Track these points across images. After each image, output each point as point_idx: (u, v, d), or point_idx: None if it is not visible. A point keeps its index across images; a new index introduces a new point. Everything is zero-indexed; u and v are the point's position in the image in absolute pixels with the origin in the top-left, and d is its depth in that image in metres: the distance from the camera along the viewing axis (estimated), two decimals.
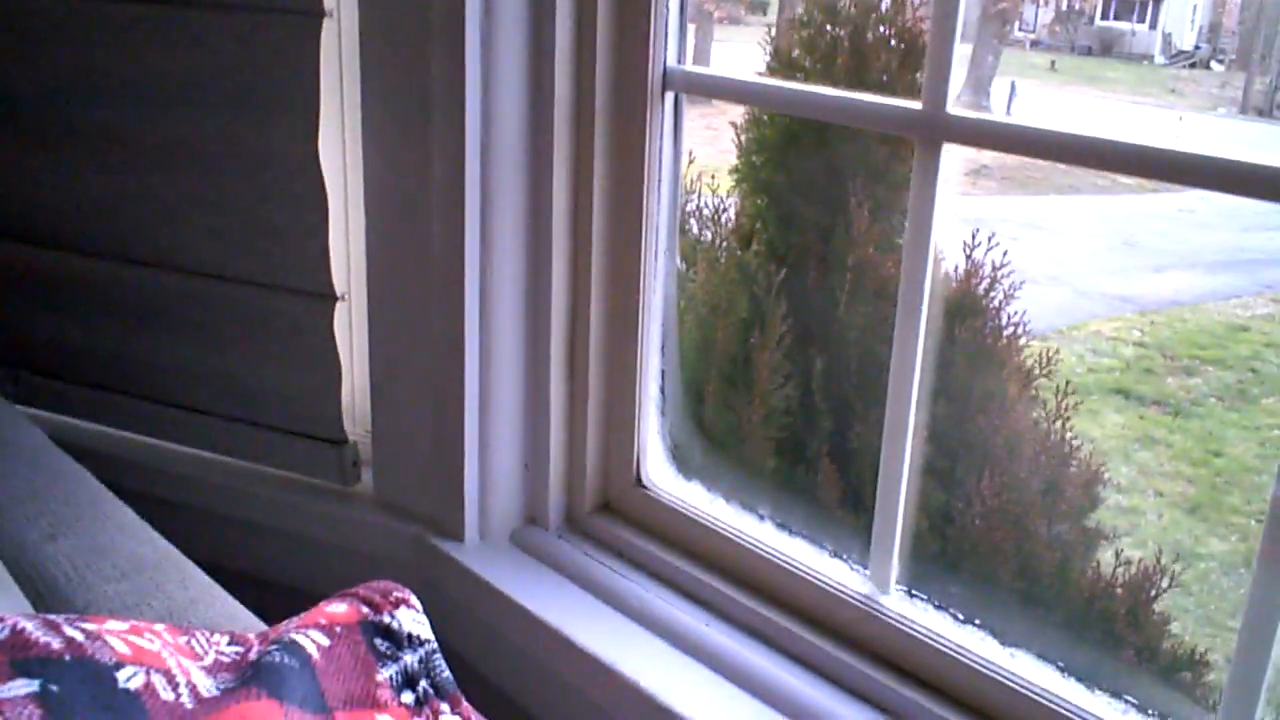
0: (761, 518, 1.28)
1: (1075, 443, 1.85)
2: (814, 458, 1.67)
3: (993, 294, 1.72)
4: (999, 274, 1.72)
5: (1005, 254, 1.73)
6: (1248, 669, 0.91)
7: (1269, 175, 0.87)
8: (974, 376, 1.71)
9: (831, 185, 1.74)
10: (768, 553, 1.22)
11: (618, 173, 1.28)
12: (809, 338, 1.72)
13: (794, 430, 1.69)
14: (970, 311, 1.72)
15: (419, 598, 0.96)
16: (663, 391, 1.35)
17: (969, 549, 1.60)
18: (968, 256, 1.71)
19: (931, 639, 1.09)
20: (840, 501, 1.61)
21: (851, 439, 1.67)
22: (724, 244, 1.76)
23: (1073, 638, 1.60)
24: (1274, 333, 5.33)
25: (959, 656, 1.06)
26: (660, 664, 1.18)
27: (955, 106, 1.04)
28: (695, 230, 1.85)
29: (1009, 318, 1.75)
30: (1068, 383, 1.87)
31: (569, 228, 1.30)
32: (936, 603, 1.11)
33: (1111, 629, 1.61)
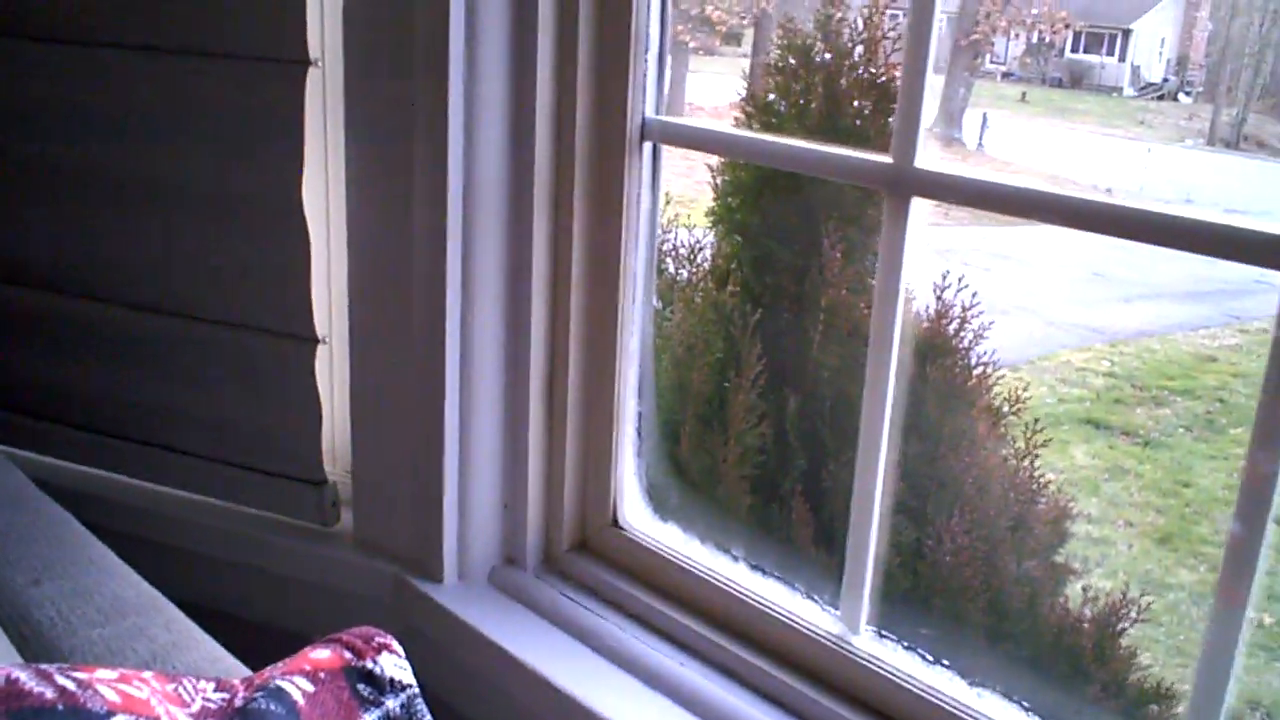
0: (735, 558, 1.31)
1: (1043, 480, 1.89)
2: (787, 496, 1.70)
3: (962, 334, 1.77)
4: (969, 314, 1.76)
5: (975, 295, 1.77)
6: (1206, 704, 0.94)
7: (1233, 236, 0.91)
8: (944, 415, 1.75)
9: (805, 228, 1.79)
10: (742, 593, 1.25)
11: (596, 220, 1.31)
12: (783, 377, 1.76)
13: (768, 469, 1.72)
14: (940, 351, 1.76)
15: (398, 638, 0.98)
16: (639, 433, 1.38)
17: (939, 586, 1.63)
18: (938, 297, 1.76)
19: (901, 679, 1.12)
20: (813, 540, 1.64)
21: (824, 478, 1.71)
22: (700, 284, 1.80)
23: (1038, 675, 1.63)
24: (1241, 363, 5.42)
25: (927, 696, 1.09)
26: (636, 703, 1.20)
27: (925, 155, 1.08)
28: (672, 269, 1.89)
29: (978, 357, 1.79)
30: (1036, 420, 1.91)
31: (548, 273, 1.33)
32: (906, 643, 1.14)
33: (1079, 664, 1.65)
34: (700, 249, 1.82)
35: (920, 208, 1.11)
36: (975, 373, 1.78)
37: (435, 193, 1.27)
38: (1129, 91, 7.31)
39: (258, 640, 1.01)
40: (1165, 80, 7.32)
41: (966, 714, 1.07)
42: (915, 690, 1.10)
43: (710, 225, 1.91)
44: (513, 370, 1.36)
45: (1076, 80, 7.19)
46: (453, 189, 1.27)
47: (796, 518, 1.67)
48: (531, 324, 1.33)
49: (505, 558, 1.42)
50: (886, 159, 1.09)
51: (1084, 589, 1.92)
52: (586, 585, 1.37)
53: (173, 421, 1.53)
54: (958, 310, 1.76)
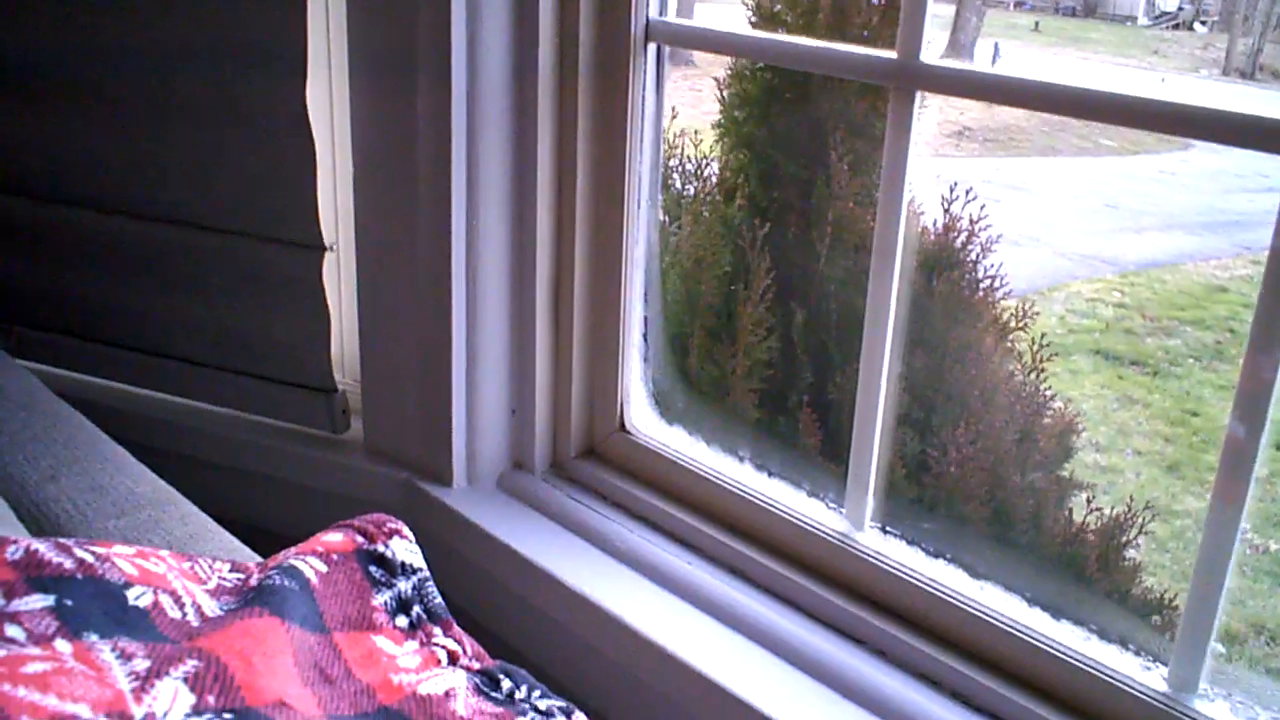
0: (741, 460, 1.32)
1: (1050, 394, 1.90)
2: (794, 407, 1.71)
3: (970, 247, 1.77)
4: (976, 227, 1.76)
5: (983, 207, 1.77)
6: (1202, 598, 0.96)
7: (1240, 122, 0.90)
8: (951, 328, 1.76)
9: (812, 140, 1.78)
10: (747, 493, 1.27)
11: (601, 123, 1.31)
12: (791, 291, 1.76)
13: (775, 380, 1.73)
14: (948, 264, 1.76)
15: None
16: (646, 339, 1.39)
17: (944, 494, 1.65)
18: (946, 210, 1.75)
19: (905, 573, 1.13)
20: (819, 447, 1.66)
21: (831, 389, 1.72)
22: (708, 199, 1.80)
23: (1041, 575, 1.66)
24: (1252, 294, 5.37)
25: (930, 589, 1.11)
26: (644, 600, 1.23)
27: (931, 53, 1.07)
28: (679, 186, 1.89)
29: (985, 271, 1.79)
30: (1043, 335, 1.91)
31: (553, 177, 1.33)
32: (909, 539, 1.16)
33: (1082, 571, 1.67)
34: (708, 164, 1.81)
35: (928, 111, 1.10)
36: (982, 286, 1.78)
37: (439, 97, 1.26)
38: (1143, 21, 7.21)
39: (270, 548, 1.02)
40: (1180, 9, 7.21)
41: (969, 605, 1.09)
42: (919, 583, 1.12)
43: (718, 139, 1.90)
44: (518, 276, 1.37)
45: (1090, 9, 7.09)
46: (456, 94, 1.26)
47: (804, 427, 1.68)
48: (537, 229, 1.34)
49: (513, 463, 1.44)
50: (891, 54, 1.08)
51: (1088, 500, 1.93)
52: (594, 489, 1.39)
53: (183, 332, 1.54)
54: (965, 223, 1.76)
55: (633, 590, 1.25)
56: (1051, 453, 1.85)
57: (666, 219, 1.86)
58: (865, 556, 1.16)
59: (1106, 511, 1.89)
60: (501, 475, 1.43)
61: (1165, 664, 1.00)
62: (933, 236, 1.77)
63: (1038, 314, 1.97)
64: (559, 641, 1.30)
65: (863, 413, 1.15)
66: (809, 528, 1.21)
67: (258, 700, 0.69)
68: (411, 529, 1.15)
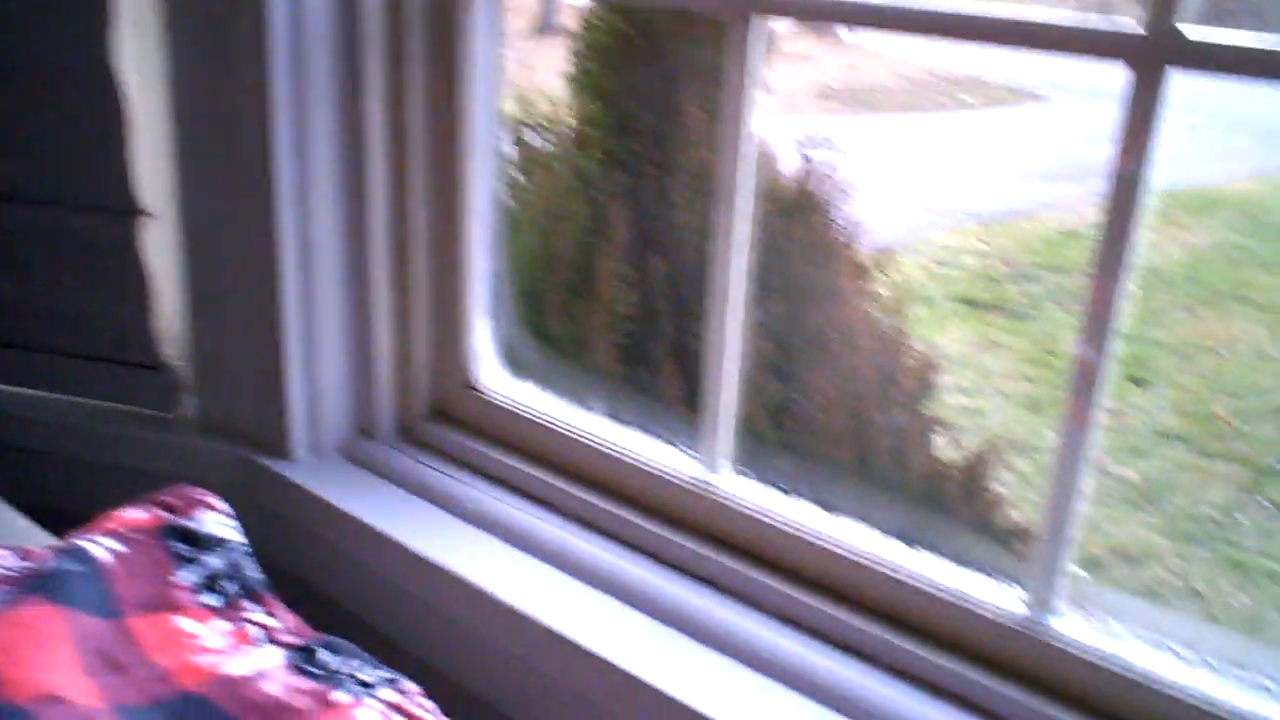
0: (598, 412, 1.26)
1: (909, 335, 1.89)
2: (656, 358, 1.66)
3: (826, 191, 1.74)
4: (832, 172, 1.73)
5: (839, 152, 1.74)
6: (1055, 520, 0.93)
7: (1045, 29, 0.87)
8: (811, 273, 1.73)
9: (666, 88, 1.72)
10: (602, 445, 1.21)
11: (435, 70, 1.22)
12: (651, 242, 1.71)
13: (636, 332, 1.68)
14: (804, 209, 1.73)
15: (250, 519, 0.92)
16: (494, 294, 1.31)
17: (809, 436, 1.62)
18: (803, 155, 1.72)
19: (760, 513, 1.09)
20: (680, 397, 1.61)
21: (691, 339, 1.67)
22: (562, 152, 1.73)
23: (902, 507, 1.64)
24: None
25: (785, 527, 1.07)
26: (496, 562, 1.16)
27: None
28: (534, 141, 1.81)
29: (843, 215, 1.76)
30: (902, 280, 1.90)
31: (387, 129, 1.24)
32: (767, 480, 1.11)
33: (943, 504, 1.67)
34: (561, 120, 1.74)
35: (792, 77, 1.06)
36: (840, 230, 1.75)
37: (258, 47, 1.16)
38: None
39: None
40: None
41: (821, 540, 1.05)
42: (775, 522, 1.08)
43: (571, 92, 1.83)
44: (354, 235, 1.28)
45: None
46: (276, 43, 1.16)
47: (665, 378, 1.63)
48: (372, 183, 1.25)
49: (358, 430, 1.35)
50: None
51: (951, 437, 1.93)
52: (445, 451, 1.31)
53: None
54: (821, 168, 1.73)
55: (484, 552, 1.18)
56: (913, 391, 1.84)
57: (522, 176, 1.78)
58: (721, 500, 1.12)
59: (971, 449, 1.89)
60: (346, 444, 1.34)
61: (1025, 588, 0.97)
62: (790, 182, 1.74)
63: (895, 256, 1.96)
64: (411, 611, 1.22)
65: (712, 353, 1.10)
66: (664, 475, 1.16)
67: (21, 694, 0.61)
68: (251, 506, 1.06)
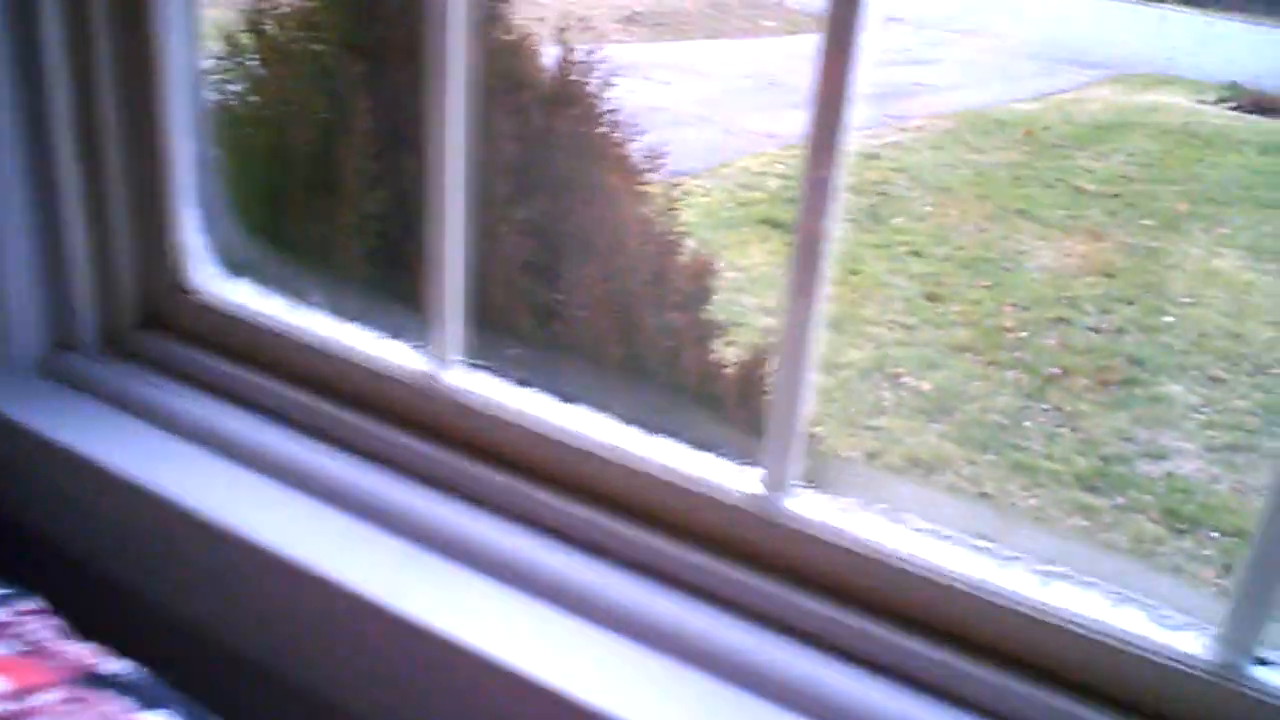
0: (326, 313, 1.15)
1: (683, 235, 1.83)
2: (399, 257, 1.55)
3: (588, 83, 1.65)
4: (594, 61, 1.64)
5: (599, 41, 1.64)
6: (786, 398, 0.89)
7: None
8: (576, 169, 1.64)
9: None
10: (328, 346, 1.10)
11: None
12: (399, 136, 1.58)
13: (380, 231, 1.56)
14: (566, 101, 1.63)
15: None
16: (202, 184, 1.17)
17: (570, 335, 1.55)
18: (561, 45, 1.62)
19: (491, 408, 1.01)
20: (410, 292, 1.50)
21: None
22: (294, 38, 1.57)
23: (666, 407, 1.60)
24: (901, 158, 5.70)
25: (516, 421, 0.99)
26: (215, 480, 1.05)
27: None
28: (269, 28, 1.65)
29: (608, 107, 1.68)
30: (675, 178, 1.84)
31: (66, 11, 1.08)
32: (497, 371, 1.03)
33: (710, 403, 1.63)
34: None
35: None
36: (605, 123, 1.67)
37: None
38: None
39: None
40: None
41: (552, 430, 0.98)
42: (506, 417, 1.00)
43: None
44: (33, 122, 1.11)
45: None
46: None
47: (408, 278, 1.52)
48: (49, 61, 1.09)
49: (57, 343, 1.20)
50: None
51: (730, 342, 1.90)
52: (156, 361, 1.18)
53: None
54: (582, 55, 1.63)
55: (201, 471, 1.06)
56: (690, 294, 1.79)
57: (263, 68, 1.62)
58: (451, 395, 1.03)
59: (747, 350, 1.86)
60: (43, 358, 1.19)
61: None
62: (549, 74, 1.64)
63: (668, 155, 1.90)
64: (122, 537, 1.10)
65: (433, 238, 1.01)
66: (392, 373, 1.06)
67: None
68: None
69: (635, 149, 1.75)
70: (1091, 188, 5.39)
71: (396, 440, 1.04)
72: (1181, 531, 3.12)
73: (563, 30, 1.61)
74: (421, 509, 0.99)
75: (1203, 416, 3.79)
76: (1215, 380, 3.96)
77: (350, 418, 1.07)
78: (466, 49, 0.99)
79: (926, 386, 4.04)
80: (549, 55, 1.63)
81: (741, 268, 4.58)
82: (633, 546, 0.94)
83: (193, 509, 1.02)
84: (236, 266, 1.20)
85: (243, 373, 1.14)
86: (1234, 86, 6.29)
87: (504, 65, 1.55)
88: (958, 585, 0.83)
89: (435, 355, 1.04)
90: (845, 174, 0.83)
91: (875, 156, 5.53)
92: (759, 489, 0.92)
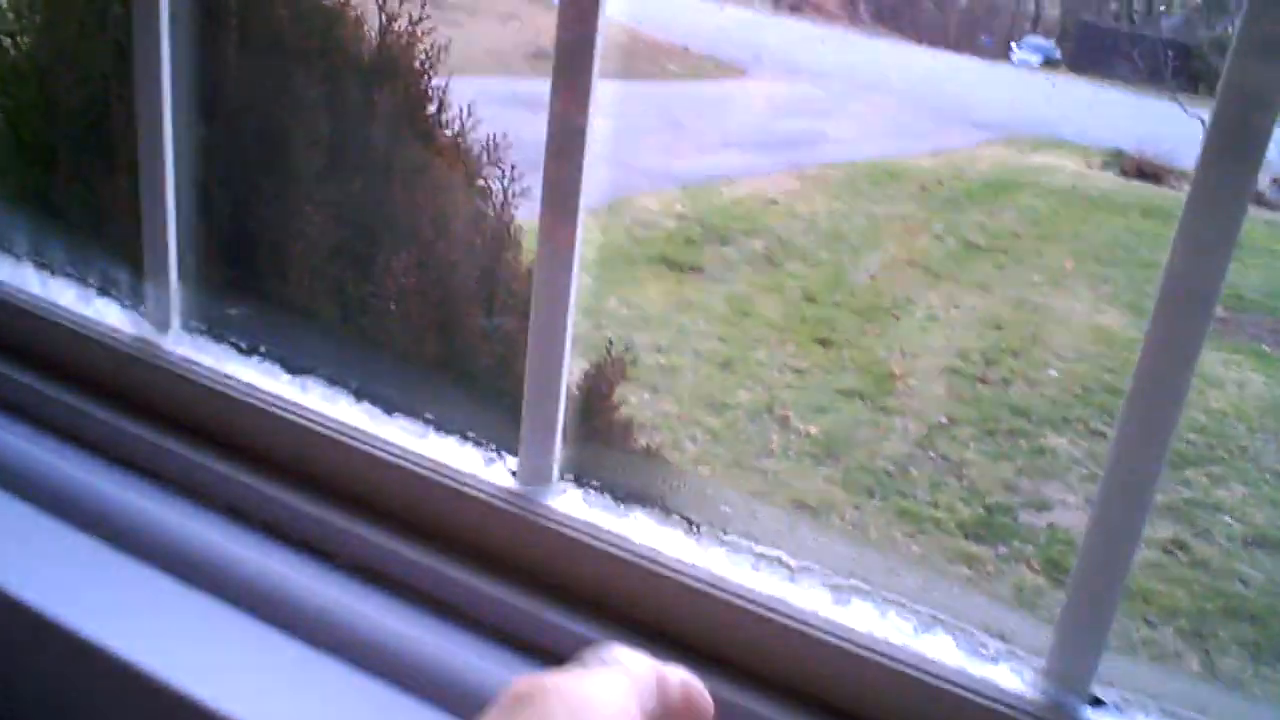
0: (21, 259, 0.95)
1: (520, 233, 1.66)
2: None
3: (413, 53, 1.48)
4: (419, 29, 1.47)
5: (424, 6, 1.48)
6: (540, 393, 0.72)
7: None
8: (394, 148, 1.47)
9: None
10: (32, 304, 0.91)
11: None
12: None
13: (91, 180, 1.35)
14: (387, 73, 1.46)
15: None
16: None
17: (378, 330, 1.37)
18: (381, 8, 1.45)
19: (216, 380, 0.82)
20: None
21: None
22: None
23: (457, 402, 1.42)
24: (797, 205, 5.66)
25: (239, 393, 0.81)
26: None
27: None
28: None
29: (433, 84, 1.51)
30: (513, 168, 1.68)
31: None
32: (217, 336, 0.85)
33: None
34: None
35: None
36: (430, 103, 1.50)
37: None
38: None
39: None
40: None
41: (269, 399, 0.80)
42: (225, 388, 0.82)
43: None
44: None
45: None
46: None
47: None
48: None
49: None
50: None
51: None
52: None
53: None
54: (405, 24, 1.46)
55: None
56: (524, 294, 1.62)
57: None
58: (170, 365, 0.84)
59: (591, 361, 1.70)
60: None
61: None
62: (369, 41, 1.47)
63: (509, 142, 1.73)
64: None
65: (149, 195, 0.83)
66: (99, 336, 0.87)
67: None
68: None
69: (473, 139, 1.58)
70: (982, 242, 5.40)
71: (93, 413, 0.85)
72: (1061, 582, 3.02)
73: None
74: (112, 498, 0.80)
75: (1085, 470, 3.74)
76: (1096, 434, 3.92)
77: (39, 384, 0.88)
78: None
79: (814, 430, 3.94)
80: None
81: (635, 304, 4.44)
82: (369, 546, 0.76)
83: None
84: None
85: None
86: (1118, 153, 6.44)
87: (318, 30, 1.38)
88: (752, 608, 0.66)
89: (155, 321, 0.86)
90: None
91: (774, 202, 5.48)
92: (511, 482, 0.75)
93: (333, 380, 0.80)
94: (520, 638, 0.70)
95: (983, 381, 4.26)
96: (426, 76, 1.47)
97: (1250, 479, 3.54)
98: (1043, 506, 3.55)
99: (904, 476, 3.72)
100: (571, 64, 0.67)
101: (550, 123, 0.68)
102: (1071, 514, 3.44)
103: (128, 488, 0.81)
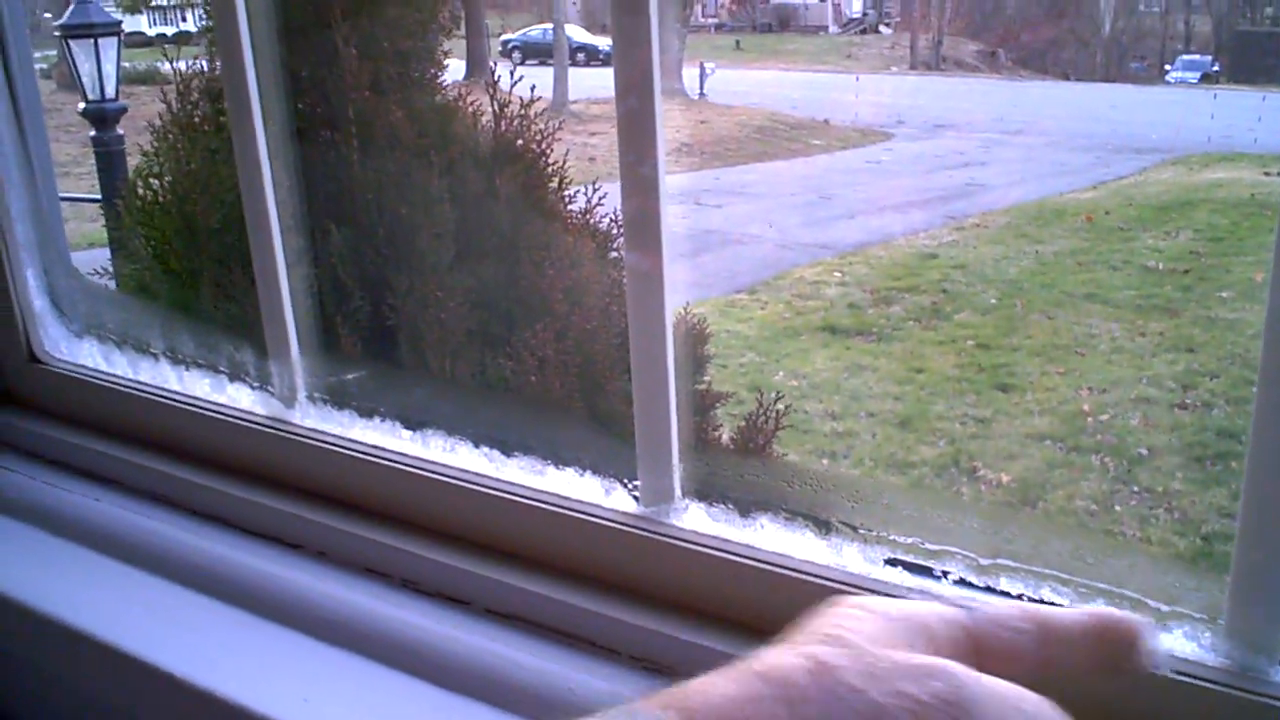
0: (160, 359, 0.98)
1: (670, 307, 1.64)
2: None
3: (530, 135, 1.50)
4: (531, 111, 1.49)
5: (533, 88, 1.51)
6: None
7: None
8: (519, 229, 1.48)
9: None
10: (172, 399, 0.93)
11: None
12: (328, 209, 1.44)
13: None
14: (508, 158, 1.49)
15: None
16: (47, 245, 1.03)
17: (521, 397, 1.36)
18: (492, 97, 1.48)
19: (337, 444, 0.82)
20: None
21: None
22: (202, 112, 1.46)
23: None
24: (959, 255, 5.48)
25: (362, 454, 0.80)
26: (63, 567, 0.86)
27: None
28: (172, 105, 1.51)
29: (552, 163, 1.52)
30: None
31: None
32: (338, 404, 0.85)
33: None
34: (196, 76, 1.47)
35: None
36: (551, 179, 1.51)
37: None
38: (833, 29, 7.37)
39: None
40: (865, 15, 7.41)
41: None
42: (352, 452, 0.81)
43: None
44: None
45: (784, 24, 7.20)
46: None
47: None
48: None
49: None
50: None
51: (728, 413, 1.68)
52: (9, 442, 1.02)
53: None
54: (517, 108, 1.49)
55: (68, 566, 0.88)
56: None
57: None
58: (298, 437, 0.84)
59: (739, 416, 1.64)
60: None
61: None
62: (487, 130, 1.50)
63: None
64: None
65: (264, 273, 0.84)
66: (238, 420, 0.88)
67: None
68: None
69: (601, 213, 1.58)
70: (1160, 266, 5.08)
71: (234, 494, 0.86)
72: None
73: (496, 84, 1.47)
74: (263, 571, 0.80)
75: None
76: None
77: (186, 474, 0.89)
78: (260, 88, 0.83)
79: (1006, 478, 3.73)
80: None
81: (804, 375, 4.36)
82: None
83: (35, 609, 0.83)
84: (105, 330, 1.04)
85: (102, 445, 0.96)
86: None
87: (435, 125, 1.42)
88: None
89: (283, 398, 0.86)
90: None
91: (934, 256, 5.32)
92: (633, 506, 0.70)
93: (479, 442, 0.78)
94: (654, 660, 0.65)
95: (1181, 407, 3.94)
96: (545, 157, 1.49)
97: None
98: None
99: (1108, 514, 3.46)
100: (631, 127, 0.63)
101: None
102: None
103: (270, 559, 0.81)
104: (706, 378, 1.75)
